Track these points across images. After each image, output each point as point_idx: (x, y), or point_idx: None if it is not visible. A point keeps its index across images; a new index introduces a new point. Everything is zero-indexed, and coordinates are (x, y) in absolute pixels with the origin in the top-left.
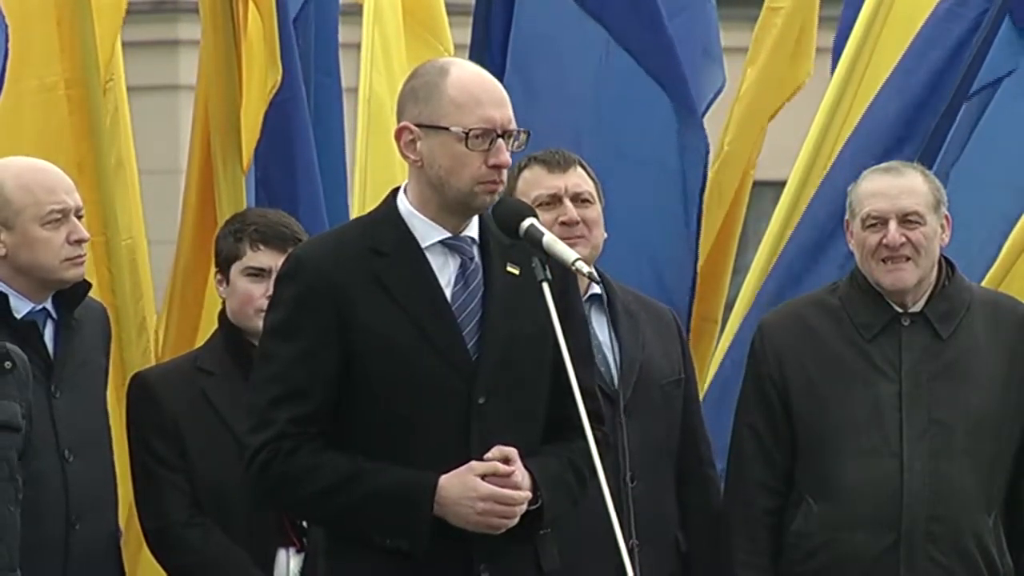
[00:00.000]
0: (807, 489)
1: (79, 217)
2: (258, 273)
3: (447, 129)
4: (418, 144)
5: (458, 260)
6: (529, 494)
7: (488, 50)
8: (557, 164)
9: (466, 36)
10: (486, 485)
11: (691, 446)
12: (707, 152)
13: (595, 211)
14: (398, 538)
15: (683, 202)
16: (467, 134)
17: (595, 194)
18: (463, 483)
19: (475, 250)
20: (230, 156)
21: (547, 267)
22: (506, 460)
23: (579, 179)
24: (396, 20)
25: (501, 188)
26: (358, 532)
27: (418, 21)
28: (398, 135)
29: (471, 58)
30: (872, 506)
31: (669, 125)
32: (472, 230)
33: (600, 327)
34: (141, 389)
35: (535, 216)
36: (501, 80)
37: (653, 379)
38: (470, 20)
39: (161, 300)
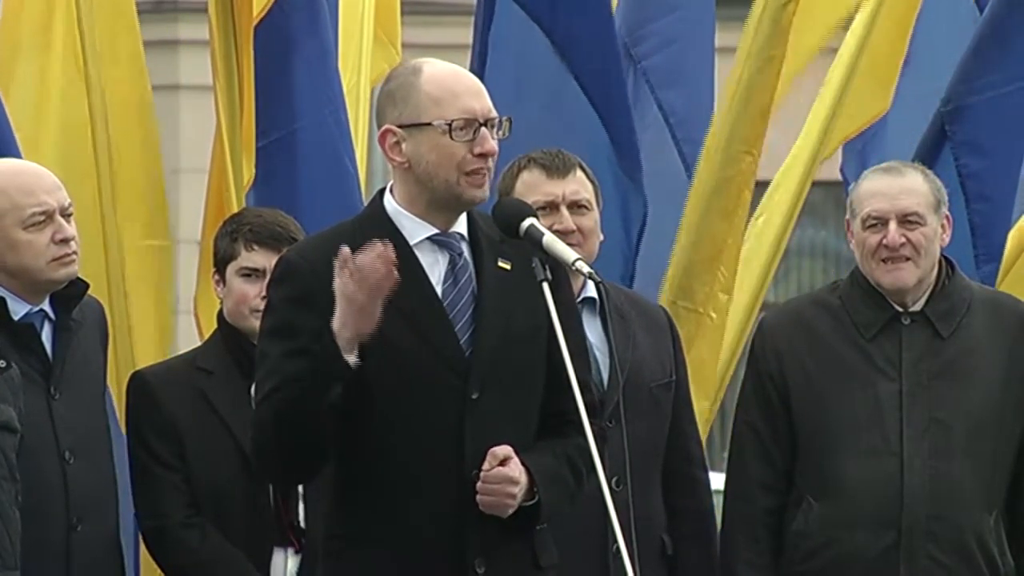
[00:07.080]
0: (807, 488)
1: (68, 215)
2: (252, 273)
3: (429, 124)
4: (403, 145)
5: (447, 256)
6: (521, 481)
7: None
8: (556, 169)
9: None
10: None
11: (681, 447)
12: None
13: (591, 219)
14: (330, 376)
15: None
16: (450, 126)
17: (593, 200)
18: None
19: (464, 246)
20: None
21: (547, 267)
22: (503, 461)
23: (578, 185)
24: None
25: (489, 178)
26: (315, 432)
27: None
28: (381, 139)
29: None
30: (872, 505)
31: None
32: (460, 226)
33: (592, 331)
34: (140, 388)
35: (535, 216)
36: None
37: (643, 382)
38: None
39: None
